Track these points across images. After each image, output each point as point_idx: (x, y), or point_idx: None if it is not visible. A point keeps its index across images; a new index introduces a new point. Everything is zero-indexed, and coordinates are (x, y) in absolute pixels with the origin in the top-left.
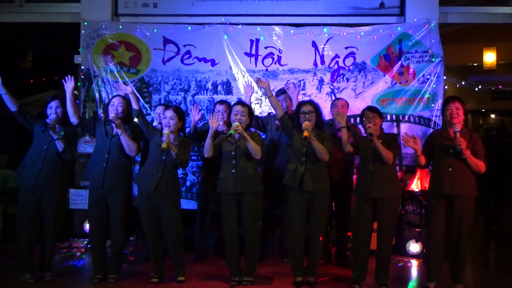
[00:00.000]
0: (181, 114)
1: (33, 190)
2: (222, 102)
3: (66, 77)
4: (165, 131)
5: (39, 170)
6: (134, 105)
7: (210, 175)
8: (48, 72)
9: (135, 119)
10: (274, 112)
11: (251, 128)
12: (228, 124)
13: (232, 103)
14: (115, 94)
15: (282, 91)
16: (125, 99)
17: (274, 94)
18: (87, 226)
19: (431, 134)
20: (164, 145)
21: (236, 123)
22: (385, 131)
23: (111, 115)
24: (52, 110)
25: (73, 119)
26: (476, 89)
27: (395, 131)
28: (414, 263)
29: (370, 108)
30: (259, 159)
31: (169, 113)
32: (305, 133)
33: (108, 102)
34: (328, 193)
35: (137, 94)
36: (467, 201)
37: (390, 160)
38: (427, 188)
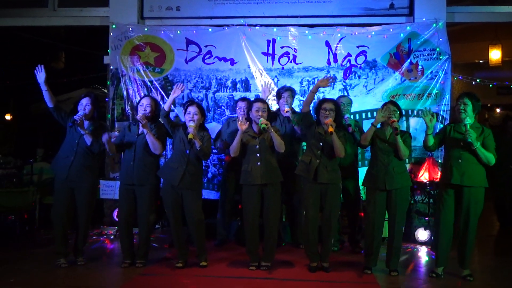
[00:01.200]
0: (203, 110)
1: (66, 181)
2: (243, 99)
3: (37, 67)
4: (191, 124)
5: (71, 163)
6: (166, 107)
7: (231, 168)
8: (80, 72)
9: (160, 119)
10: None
11: None
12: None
13: (250, 99)
14: (143, 95)
15: (286, 89)
16: (154, 99)
17: (284, 89)
18: (116, 215)
19: (444, 126)
20: (190, 135)
21: (263, 119)
22: None
23: (138, 115)
24: (82, 106)
25: (50, 105)
26: (482, 84)
27: (404, 125)
28: (423, 250)
29: (392, 102)
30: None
31: (193, 109)
32: (330, 129)
33: (138, 102)
34: (340, 184)
35: (165, 96)
36: (475, 192)
37: (406, 156)
38: (435, 179)
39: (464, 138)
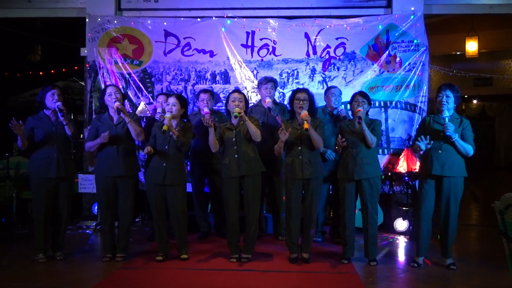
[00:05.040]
0: (183, 102)
1: (54, 178)
2: (205, 91)
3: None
4: (167, 115)
5: (57, 159)
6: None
7: (195, 161)
8: (57, 65)
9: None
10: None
11: None
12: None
13: (229, 91)
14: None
15: (268, 79)
16: (117, 87)
17: (267, 80)
18: (95, 209)
19: (424, 119)
20: (164, 127)
21: (237, 108)
22: (373, 117)
23: (117, 104)
24: (55, 96)
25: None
26: (459, 75)
27: (383, 116)
28: (401, 240)
29: (360, 93)
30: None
31: (172, 100)
32: (306, 125)
33: (103, 93)
34: (322, 175)
35: (143, 89)
36: (455, 182)
37: (373, 144)
38: (413, 169)
39: (443, 131)
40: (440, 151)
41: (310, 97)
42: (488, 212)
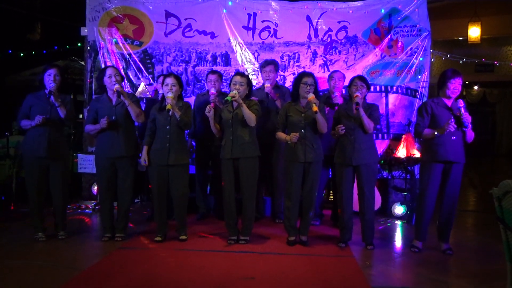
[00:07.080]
0: (181, 82)
1: (43, 157)
2: (213, 72)
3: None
4: (169, 95)
5: (47, 138)
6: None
7: (200, 143)
8: (56, 44)
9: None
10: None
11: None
12: (221, 92)
13: (230, 74)
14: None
15: (268, 62)
16: (117, 69)
17: (267, 63)
18: (95, 189)
19: (429, 105)
20: (168, 106)
21: (234, 91)
22: (374, 102)
23: (117, 86)
24: (51, 77)
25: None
26: (461, 61)
27: (383, 101)
28: (399, 224)
29: (359, 77)
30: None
31: (170, 80)
32: (315, 108)
33: (102, 74)
34: (322, 160)
35: (143, 70)
36: (460, 167)
37: (371, 130)
38: (412, 155)
39: (460, 119)
40: (454, 137)
41: (315, 82)
42: (486, 198)
